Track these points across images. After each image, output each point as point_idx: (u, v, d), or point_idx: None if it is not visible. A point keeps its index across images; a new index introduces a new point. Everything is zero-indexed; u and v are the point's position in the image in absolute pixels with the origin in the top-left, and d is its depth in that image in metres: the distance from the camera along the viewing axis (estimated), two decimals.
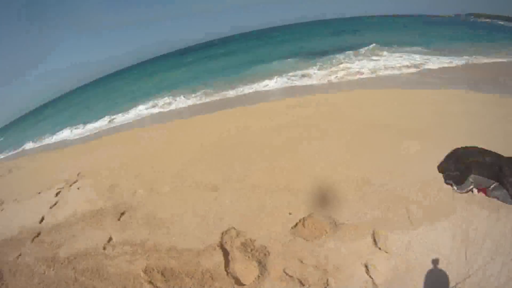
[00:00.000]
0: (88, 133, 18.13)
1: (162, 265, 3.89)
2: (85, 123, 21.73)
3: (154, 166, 6.72)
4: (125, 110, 19.66)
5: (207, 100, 14.59)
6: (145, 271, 3.89)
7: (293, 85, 14.08)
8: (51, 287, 4.71)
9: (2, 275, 5.82)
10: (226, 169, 5.50)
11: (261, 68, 19.82)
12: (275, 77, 15.76)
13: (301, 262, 3.32)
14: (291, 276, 3.21)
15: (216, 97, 14.65)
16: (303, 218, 3.75)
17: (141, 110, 17.60)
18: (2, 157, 33.01)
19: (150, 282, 3.70)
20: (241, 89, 15.02)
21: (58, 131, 25.39)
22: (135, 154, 8.34)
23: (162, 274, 3.76)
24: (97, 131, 17.60)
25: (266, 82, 15.39)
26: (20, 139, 41.67)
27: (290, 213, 3.87)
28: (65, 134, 21.33)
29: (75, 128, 21.44)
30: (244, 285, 3.31)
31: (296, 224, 3.70)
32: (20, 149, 30.54)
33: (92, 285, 4.25)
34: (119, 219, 5.35)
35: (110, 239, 4.98)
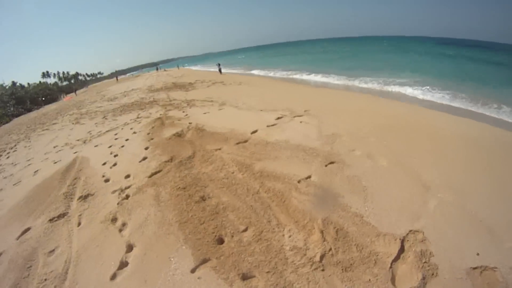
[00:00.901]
0: (336, 82, 18.78)
1: (341, 224, 3.93)
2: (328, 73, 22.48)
3: (380, 137, 6.68)
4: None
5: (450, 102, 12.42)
6: (323, 221, 3.99)
7: None
8: (233, 186, 5.16)
9: (194, 156, 6.68)
10: (443, 169, 5.24)
11: None
12: None
13: None
14: None
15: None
16: (486, 267, 3.43)
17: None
18: (235, 71, 37.25)
19: (321, 232, 3.82)
20: None
21: (301, 72, 26.89)
22: (368, 118, 8.44)
23: (336, 231, 3.80)
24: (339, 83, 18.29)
25: None
26: (253, 63, 46.01)
27: (478, 254, 3.59)
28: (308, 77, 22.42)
29: (320, 75, 22.23)
30: (396, 287, 3.25)
31: (475, 268, 3.42)
32: (249, 71, 33.89)
33: (269, 204, 4.54)
34: (326, 166, 5.49)
35: (309, 177, 5.17)
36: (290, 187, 4.93)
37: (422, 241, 3.66)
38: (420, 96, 13.49)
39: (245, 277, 3.45)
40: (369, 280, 3.24)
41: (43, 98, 64.54)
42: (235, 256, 3.74)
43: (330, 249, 3.60)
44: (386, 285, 3.21)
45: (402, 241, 3.66)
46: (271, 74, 29.58)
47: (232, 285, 3.38)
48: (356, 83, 17.99)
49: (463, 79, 17.83)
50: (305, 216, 4.19)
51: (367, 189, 4.73)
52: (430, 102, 12.37)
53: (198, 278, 3.56)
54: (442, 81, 16.68)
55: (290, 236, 3.88)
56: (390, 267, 3.38)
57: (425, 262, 3.40)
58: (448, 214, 4.09)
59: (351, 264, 3.42)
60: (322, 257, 3.52)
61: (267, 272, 3.43)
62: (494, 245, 3.63)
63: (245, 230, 4.13)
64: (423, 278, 3.24)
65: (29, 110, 53.43)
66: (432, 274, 3.29)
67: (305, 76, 23.25)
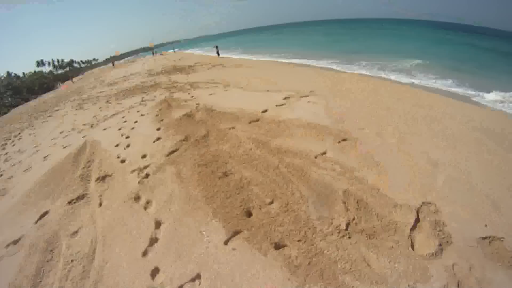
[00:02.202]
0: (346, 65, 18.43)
1: (360, 196, 4.15)
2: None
3: (386, 116, 6.92)
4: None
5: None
6: (343, 192, 4.20)
7: None
8: (253, 162, 5.32)
9: (208, 135, 6.79)
10: (448, 149, 5.47)
11: None
12: None
13: (469, 269, 3.34)
14: (455, 274, 3.27)
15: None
16: (494, 237, 3.68)
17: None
18: (232, 54, 36.90)
19: (344, 203, 4.03)
20: None
21: (298, 54, 26.65)
22: (373, 99, 8.65)
23: (357, 202, 4.03)
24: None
25: None
26: (248, 46, 45.61)
27: (486, 225, 3.83)
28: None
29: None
30: (415, 253, 3.49)
31: (485, 238, 3.67)
32: (246, 54, 33.73)
33: (290, 178, 4.73)
34: (339, 142, 5.69)
35: (324, 153, 5.38)
36: (308, 162, 5.10)
37: (435, 212, 3.90)
38: (423, 82, 13.50)
39: (277, 246, 3.61)
40: (392, 246, 3.46)
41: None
42: (265, 227, 3.90)
43: (354, 218, 3.82)
44: (407, 250, 3.44)
45: (417, 212, 3.90)
46: (267, 57, 29.51)
47: (267, 254, 3.52)
48: (356, 67, 17.91)
49: (466, 65, 17.87)
50: (326, 188, 4.38)
51: (380, 164, 4.96)
52: (434, 88, 12.50)
53: (233, 249, 3.69)
54: (445, 67, 16.85)
55: (315, 207, 4.07)
56: (409, 235, 3.60)
57: (439, 230, 3.62)
58: (456, 189, 4.34)
59: (374, 232, 3.64)
60: (347, 225, 3.73)
61: (298, 240, 3.61)
62: (500, 217, 3.87)
63: (271, 202, 4.29)
64: (440, 244, 3.47)
65: (27, 100, 53.85)
66: (447, 242, 3.52)
67: (303, 60, 22.99)
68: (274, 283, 3.28)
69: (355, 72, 16.48)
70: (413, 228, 3.72)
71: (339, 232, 3.65)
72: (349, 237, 3.59)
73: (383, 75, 15.35)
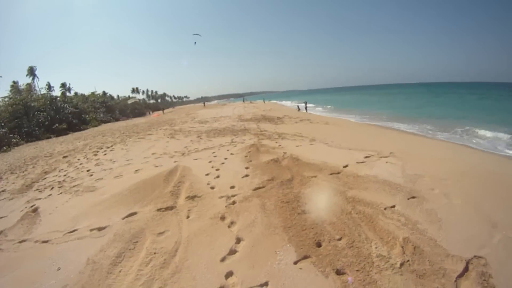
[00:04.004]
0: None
1: (418, 244, 4.73)
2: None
3: (458, 180, 7.28)
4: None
5: None
6: (403, 239, 4.82)
7: None
8: (330, 206, 6.06)
9: (292, 179, 7.65)
10: None
11: None
12: None
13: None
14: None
15: None
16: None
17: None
18: (318, 111, 37.32)
19: (402, 247, 4.65)
20: None
21: (385, 117, 26.75)
22: (449, 164, 8.97)
23: (414, 248, 4.62)
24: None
25: None
26: (336, 104, 45.47)
27: None
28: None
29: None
30: None
31: None
32: (334, 113, 34.01)
33: (359, 223, 5.40)
34: (408, 199, 6.27)
35: (393, 206, 5.97)
36: (378, 212, 5.73)
37: (484, 265, 4.34)
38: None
39: (338, 272, 4.26)
40: (437, 287, 4.01)
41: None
42: (331, 256, 4.53)
43: (408, 260, 4.41)
44: None
45: (467, 263, 4.37)
46: (352, 117, 29.99)
47: (328, 277, 4.18)
48: (441, 134, 17.66)
49: None
50: (389, 235, 5.00)
51: (442, 220, 5.45)
52: None
53: (300, 268, 4.28)
54: None
55: (376, 247, 4.69)
56: (455, 280, 4.09)
57: (484, 280, 4.04)
58: (510, 248, 4.70)
59: (423, 273, 4.20)
60: (401, 264, 4.32)
61: (357, 270, 4.24)
62: None
63: (340, 239, 4.96)
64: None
65: (117, 119, 59.33)
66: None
67: (389, 123, 23.06)
68: None
69: (442, 135, 16.37)
70: (460, 275, 4.19)
71: (393, 269, 4.26)
72: (401, 274, 4.18)
73: (468, 143, 15.00)
